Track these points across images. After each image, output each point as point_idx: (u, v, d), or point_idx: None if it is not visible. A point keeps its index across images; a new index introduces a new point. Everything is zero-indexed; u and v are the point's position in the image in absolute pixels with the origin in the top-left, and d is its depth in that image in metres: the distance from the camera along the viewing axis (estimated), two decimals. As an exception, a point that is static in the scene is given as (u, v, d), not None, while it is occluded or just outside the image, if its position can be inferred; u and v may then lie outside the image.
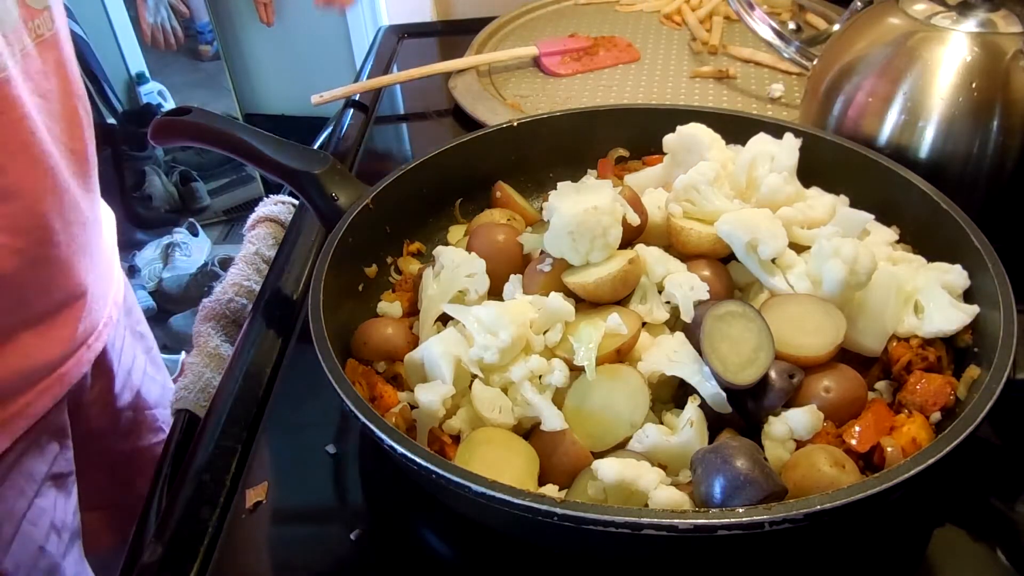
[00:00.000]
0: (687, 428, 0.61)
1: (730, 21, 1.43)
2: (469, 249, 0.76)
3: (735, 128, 0.84)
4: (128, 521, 1.07)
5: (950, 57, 0.82)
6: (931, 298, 0.68)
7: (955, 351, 0.68)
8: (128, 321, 1.06)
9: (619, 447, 0.62)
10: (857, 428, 0.61)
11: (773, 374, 0.62)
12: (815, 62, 1.00)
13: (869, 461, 0.60)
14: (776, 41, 1.11)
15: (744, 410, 0.63)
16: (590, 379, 0.63)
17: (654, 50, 1.37)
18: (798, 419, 0.61)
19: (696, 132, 0.80)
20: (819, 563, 0.62)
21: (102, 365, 0.99)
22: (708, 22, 1.43)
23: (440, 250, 0.76)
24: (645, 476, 0.56)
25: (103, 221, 0.95)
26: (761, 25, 1.12)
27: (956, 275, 0.69)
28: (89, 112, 0.87)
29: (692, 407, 0.61)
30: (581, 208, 0.68)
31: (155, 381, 1.10)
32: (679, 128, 0.82)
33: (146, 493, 1.03)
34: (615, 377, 0.64)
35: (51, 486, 0.89)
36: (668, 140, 0.82)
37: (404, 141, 1.29)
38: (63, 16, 0.82)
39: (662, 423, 0.64)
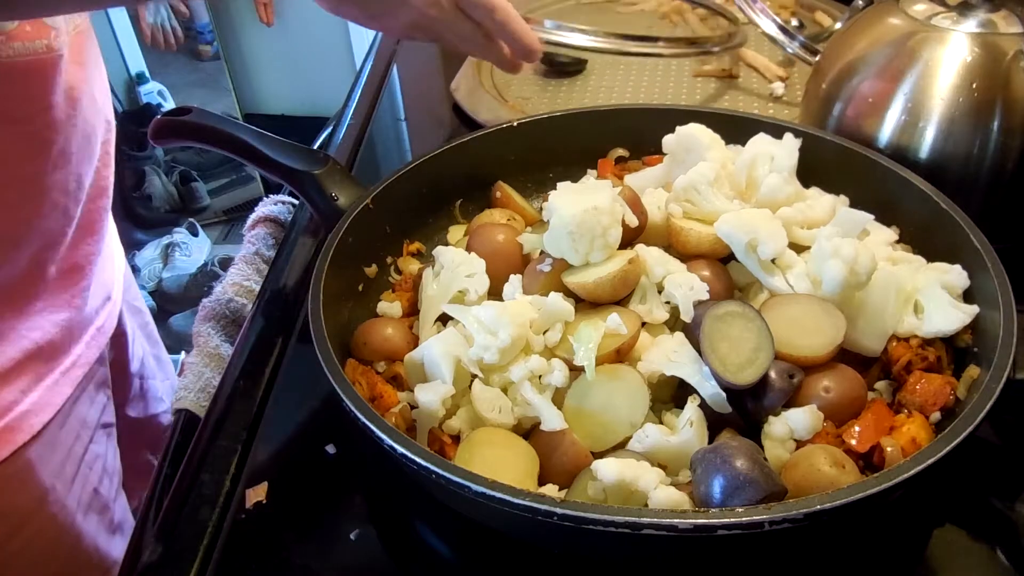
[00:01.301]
0: (687, 428, 0.60)
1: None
2: (469, 249, 0.76)
3: (735, 128, 0.84)
4: (134, 489, 1.12)
5: (950, 57, 0.82)
6: (931, 298, 0.68)
7: (955, 351, 0.68)
8: (126, 296, 1.11)
9: (619, 447, 0.62)
10: (857, 428, 0.61)
11: (773, 374, 0.62)
12: (818, 58, 1.00)
13: (869, 461, 0.60)
14: (780, 36, 1.11)
15: (744, 410, 0.63)
16: (590, 379, 0.63)
17: (654, 50, 1.37)
18: (798, 419, 0.61)
19: (696, 132, 0.80)
20: (819, 563, 0.62)
21: (117, 328, 1.04)
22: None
23: (440, 250, 0.76)
24: (645, 476, 0.56)
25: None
26: (765, 20, 1.12)
27: (956, 275, 0.69)
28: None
29: (692, 407, 0.61)
30: (581, 208, 0.68)
31: (150, 354, 1.16)
32: (679, 128, 0.82)
33: (149, 463, 1.10)
34: (615, 377, 0.64)
35: (102, 433, 0.97)
36: (668, 140, 0.82)
37: (404, 141, 1.29)
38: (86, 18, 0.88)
39: (662, 423, 0.64)
